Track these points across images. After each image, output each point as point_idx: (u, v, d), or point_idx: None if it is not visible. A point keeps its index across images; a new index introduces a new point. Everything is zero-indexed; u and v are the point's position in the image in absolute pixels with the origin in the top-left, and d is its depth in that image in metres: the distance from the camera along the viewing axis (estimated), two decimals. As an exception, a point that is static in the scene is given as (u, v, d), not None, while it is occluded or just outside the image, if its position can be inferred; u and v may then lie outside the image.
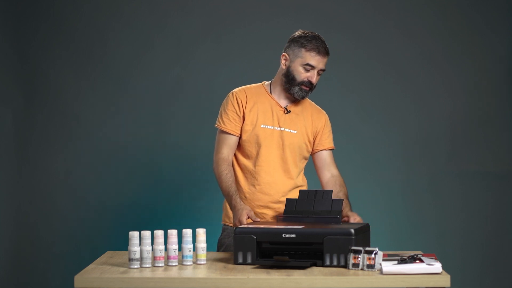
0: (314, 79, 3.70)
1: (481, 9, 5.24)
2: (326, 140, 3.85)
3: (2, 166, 5.08)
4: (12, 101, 5.19)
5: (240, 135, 3.75)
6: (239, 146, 3.78)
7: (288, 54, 3.73)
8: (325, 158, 3.85)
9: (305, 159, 3.84)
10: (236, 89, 3.81)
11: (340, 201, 3.53)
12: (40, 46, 5.25)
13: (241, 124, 3.74)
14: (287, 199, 3.61)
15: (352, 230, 3.18)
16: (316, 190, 3.60)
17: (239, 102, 3.75)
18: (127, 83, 5.28)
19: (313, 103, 3.89)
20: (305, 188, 3.83)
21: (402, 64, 5.28)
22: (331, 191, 3.59)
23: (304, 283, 3.02)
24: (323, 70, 3.72)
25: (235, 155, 3.79)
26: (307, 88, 3.72)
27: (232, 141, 3.75)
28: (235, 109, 3.74)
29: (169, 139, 5.28)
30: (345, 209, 3.66)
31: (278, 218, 3.56)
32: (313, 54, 3.68)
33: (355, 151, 5.28)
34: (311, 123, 3.82)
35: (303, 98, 3.75)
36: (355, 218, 3.59)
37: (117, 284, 3.06)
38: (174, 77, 5.27)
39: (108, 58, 5.27)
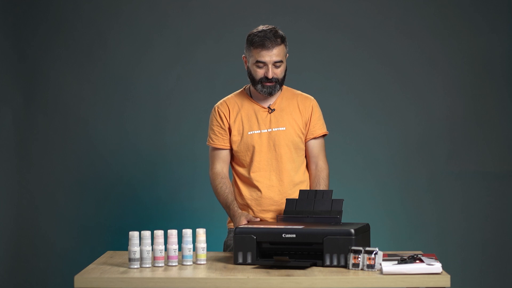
0: (269, 74, 3.63)
1: (481, 9, 5.24)
2: (315, 127, 3.78)
3: (2, 166, 5.08)
4: (12, 101, 5.19)
5: (231, 146, 3.76)
6: (235, 157, 3.78)
7: (245, 56, 3.74)
8: (312, 149, 3.79)
9: (302, 150, 3.79)
10: (217, 103, 3.80)
11: (340, 201, 3.52)
12: (40, 46, 5.25)
13: (229, 136, 3.74)
14: (287, 199, 3.60)
15: (352, 230, 3.18)
16: (316, 190, 3.59)
17: (222, 115, 3.75)
18: (127, 83, 5.28)
19: (298, 92, 3.83)
20: (306, 183, 3.82)
21: (402, 64, 5.28)
22: (331, 191, 3.59)
23: (304, 283, 3.02)
24: (280, 61, 3.65)
25: (233, 166, 3.80)
26: (270, 84, 3.66)
27: (223, 155, 3.76)
28: (219, 123, 3.75)
29: (169, 139, 5.28)
30: None
31: (278, 218, 3.57)
32: (258, 50, 3.63)
33: (355, 151, 5.28)
34: (299, 114, 3.77)
35: (270, 94, 3.69)
36: None
37: (117, 284, 3.06)
38: (174, 77, 5.27)
39: (108, 58, 5.27)
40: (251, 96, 3.78)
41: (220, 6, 5.29)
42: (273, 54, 3.62)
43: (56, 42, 5.26)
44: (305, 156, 3.82)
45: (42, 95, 5.26)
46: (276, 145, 3.72)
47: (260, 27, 3.69)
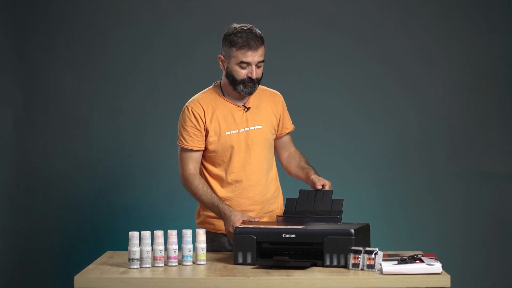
0: (253, 74, 3.59)
1: (481, 9, 5.24)
2: (288, 123, 3.84)
3: (2, 166, 5.08)
4: (12, 101, 5.19)
5: (206, 147, 3.69)
6: (208, 157, 3.71)
7: (223, 55, 3.67)
8: (285, 140, 3.86)
9: (273, 147, 3.80)
10: (190, 102, 3.72)
11: (340, 201, 3.53)
12: (40, 46, 5.25)
13: (204, 138, 3.67)
14: (287, 199, 3.60)
15: (352, 230, 3.18)
16: (316, 190, 3.59)
17: (197, 116, 3.67)
18: (127, 83, 5.28)
19: (265, 88, 3.81)
20: (277, 178, 3.80)
21: (402, 64, 5.28)
22: (331, 191, 3.58)
23: (304, 283, 3.02)
24: (262, 61, 3.63)
25: (205, 166, 3.72)
26: (251, 83, 3.63)
27: (197, 156, 3.69)
28: (194, 124, 3.67)
29: (169, 139, 5.26)
30: (310, 173, 3.72)
31: (278, 218, 3.56)
32: (243, 51, 3.59)
33: (355, 151, 5.28)
34: (272, 112, 3.76)
35: (250, 94, 3.65)
36: (324, 184, 3.61)
37: (117, 284, 3.06)
38: (174, 77, 5.27)
39: (108, 58, 5.27)
40: (223, 95, 3.73)
41: (220, 6, 5.28)
42: (258, 55, 3.60)
43: (56, 42, 5.26)
44: (275, 147, 3.85)
45: (42, 95, 5.26)
46: (254, 144, 3.69)
47: (236, 26, 3.64)
